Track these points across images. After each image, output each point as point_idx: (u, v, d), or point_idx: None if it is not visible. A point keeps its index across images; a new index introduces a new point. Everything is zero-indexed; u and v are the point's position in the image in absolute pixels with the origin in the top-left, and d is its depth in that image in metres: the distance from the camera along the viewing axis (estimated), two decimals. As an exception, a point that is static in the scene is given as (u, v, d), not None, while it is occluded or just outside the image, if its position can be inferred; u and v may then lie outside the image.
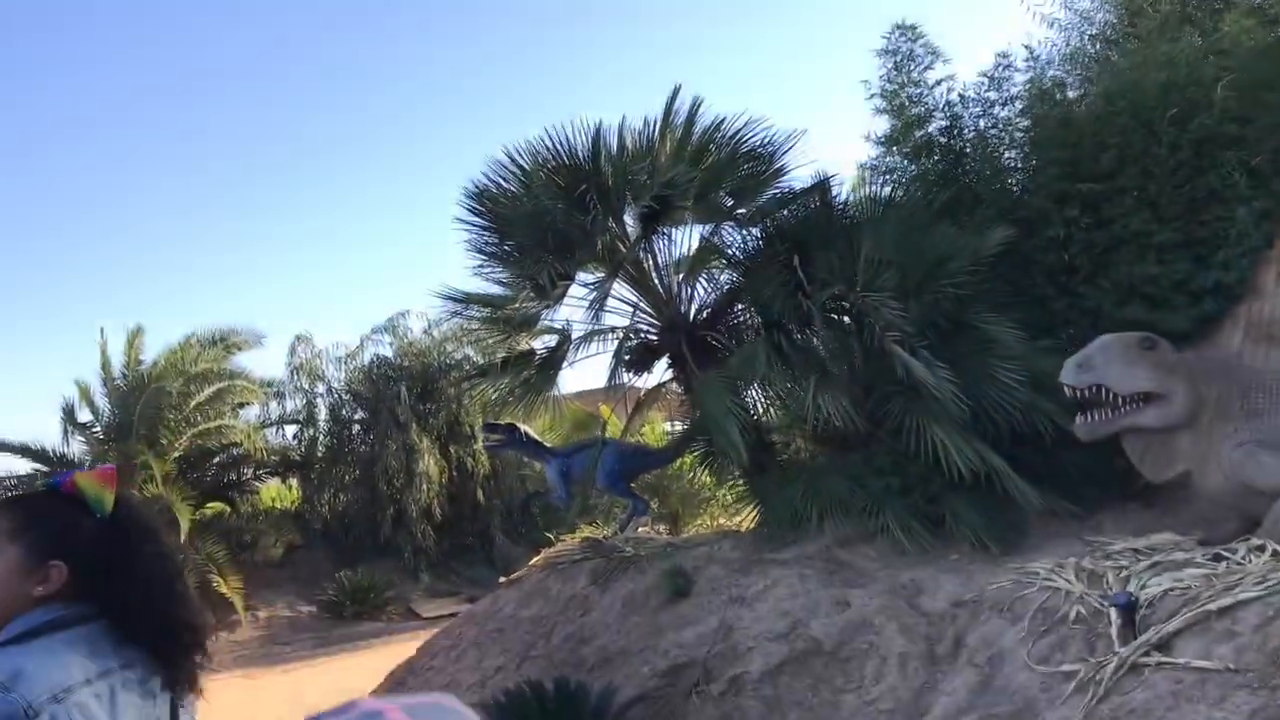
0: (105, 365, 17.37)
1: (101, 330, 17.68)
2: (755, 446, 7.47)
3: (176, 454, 16.70)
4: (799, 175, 8.21)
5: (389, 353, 19.40)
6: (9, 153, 39.60)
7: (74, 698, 1.69)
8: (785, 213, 7.99)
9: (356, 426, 19.32)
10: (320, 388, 19.40)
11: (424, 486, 17.45)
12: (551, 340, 8.60)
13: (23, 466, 16.87)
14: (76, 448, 17.01)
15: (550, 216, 7.74)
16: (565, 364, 8.38)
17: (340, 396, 19.39)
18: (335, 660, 13.01)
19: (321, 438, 19.38)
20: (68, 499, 1.90)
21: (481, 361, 17.78)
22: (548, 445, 9.03)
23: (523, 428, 8.73)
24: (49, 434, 18.31)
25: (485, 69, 52.16)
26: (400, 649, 10.89)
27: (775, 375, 7.20)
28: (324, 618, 16.02)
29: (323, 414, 19.42)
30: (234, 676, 12.24)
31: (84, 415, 17.23)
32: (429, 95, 49.46)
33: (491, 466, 18.79)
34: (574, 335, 8.36)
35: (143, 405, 16.18)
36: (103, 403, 17.29)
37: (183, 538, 14.55)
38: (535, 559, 8.53)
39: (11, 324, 41.23)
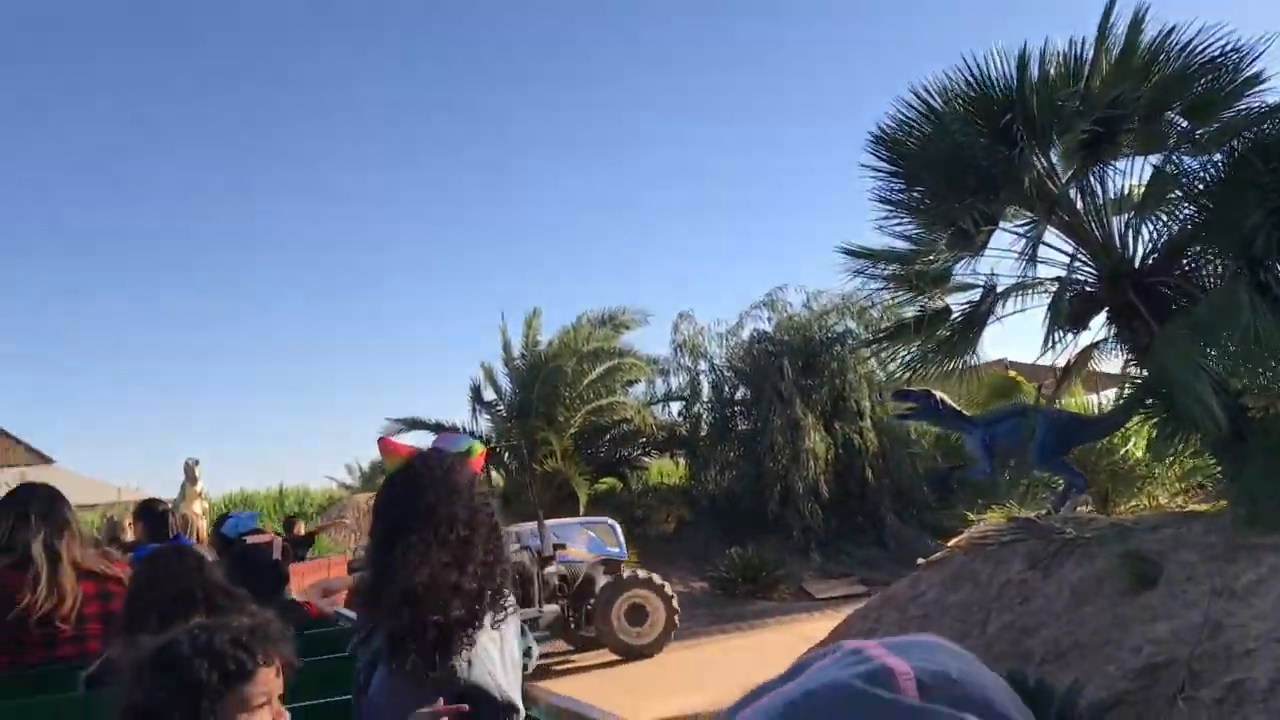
0: (506, 347, 18.45)
1: (502, 314, 18.82)
2: (1228, 411, 6.25)
3: (572, 430, 17.33)
4: (1273, 86, 6.82)
5: (768, 328, 19.21)
6: (424, 153, 43.67)
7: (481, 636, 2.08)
8: (1263, 129, 6.62)
9: (738, 405, 19.27)
10: (702, 365, 19.58)
11: (810, 463, 17.01)
12: (973, 295, 7.71)
13: (438, 443, 18.37)
14: (483, 425, 18.17)
15: (969, 153, 6.91)
16: (991, 321, 7.47)
17: (721, 373, 19.46)
18: (733, 639, 12.78)
19: (705, 414, 19.49)
20: None
21: (862, 333, 17.16)
22: (967, 414, 8.10)
23: (938, 394, 7.90)
24: (461, 413, 19.80)
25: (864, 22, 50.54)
26: (799, 629, 10.47)
27: (1261, 325, 5.95)
28: (716, 594, 15.97)
29: (705, 390, 19.58)
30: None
31: (489, 394, 18.41)
32: (812, 60, 48.63)
33: (880, 444, 18.04)
34: (998, 288, 7.43)
35: (540, 384, 16.96)
36: (505, 382, 18.37)
37: (581, 511, 15.01)
38: (956, 539, 7.72)
39: (430, 313, 45.69)
